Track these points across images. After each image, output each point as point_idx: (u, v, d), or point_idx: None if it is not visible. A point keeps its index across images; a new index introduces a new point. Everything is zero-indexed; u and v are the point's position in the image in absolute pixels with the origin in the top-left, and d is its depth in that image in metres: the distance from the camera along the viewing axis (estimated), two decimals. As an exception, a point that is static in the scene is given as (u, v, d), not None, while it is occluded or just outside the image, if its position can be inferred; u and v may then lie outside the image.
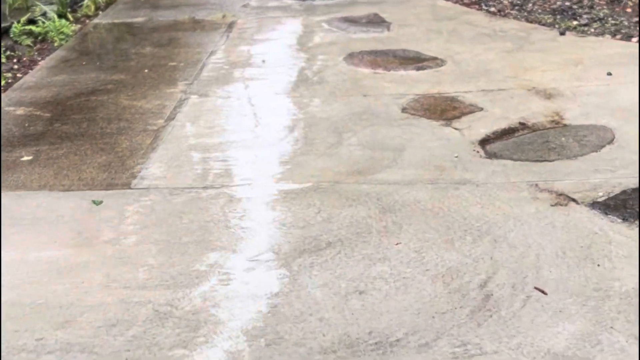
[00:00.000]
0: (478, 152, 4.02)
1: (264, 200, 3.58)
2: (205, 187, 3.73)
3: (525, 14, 6.93)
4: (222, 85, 5.32)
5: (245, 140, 4.34)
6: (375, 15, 7.10)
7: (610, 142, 4.04)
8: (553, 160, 3.87)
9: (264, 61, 5.90)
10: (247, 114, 4.76)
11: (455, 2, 7.46)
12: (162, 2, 8.12)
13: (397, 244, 3.12)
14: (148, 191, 3.71)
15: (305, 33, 6.64)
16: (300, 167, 3.91)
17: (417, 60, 5.72)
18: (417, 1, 7.56)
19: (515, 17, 6.84)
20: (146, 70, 5.71)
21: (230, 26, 7.01)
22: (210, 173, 3.90)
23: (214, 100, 5.04)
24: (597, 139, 4.11)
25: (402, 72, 5.50)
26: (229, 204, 3.54)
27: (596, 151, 3.94)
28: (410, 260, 3.00)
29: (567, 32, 6.21)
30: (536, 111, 4.58)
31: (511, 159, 3.92)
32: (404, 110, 4.74)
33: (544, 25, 6.55)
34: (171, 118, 4.70)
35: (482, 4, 7.32)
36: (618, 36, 5.98)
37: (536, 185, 3.61)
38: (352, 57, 5.87)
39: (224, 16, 7.39)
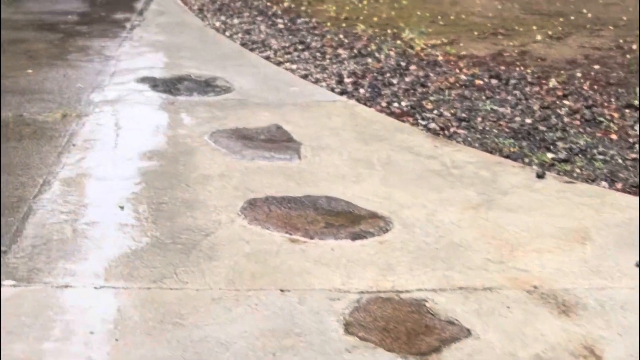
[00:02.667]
0: None
1: None
2: None
3: (478, 135, 5.63)
4: (56, 262, 3.63)
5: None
6: (278, 128, 5.61)
7: None
8: None
9: (122, 208, 4.24)
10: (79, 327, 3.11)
11: (381, 111, 6.06)
12: (-23, 86, 6.31)
13: None
14: None
15: (181, 154, 5.08)
16: None
17: (349, 219, 4.25)
18: (330, 107, 6.16)
19: (465, 140, 5.54)
20: None
21: (72, 136, 5.30)
22: None
23: (43, 292, 3.36)
24: None
25: (331, 241, 4.02)
26: None
27: None
28: None
29: (547, 173, 4.90)
30: (555, 342, 3.20)
31: None
32: (348, 329, 3.26)
33: (508, 156, 5.28)
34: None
35: (417, 116, 5.97)
36: (618, 184, 4.76)
37: None
38: (255, 208, 4.33)
39: (64, 115, 5.66)
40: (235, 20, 8.97)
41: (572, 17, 9.39)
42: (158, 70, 6.90)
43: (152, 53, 7.45)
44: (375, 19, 9.16)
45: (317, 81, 6.85)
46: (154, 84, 6.51)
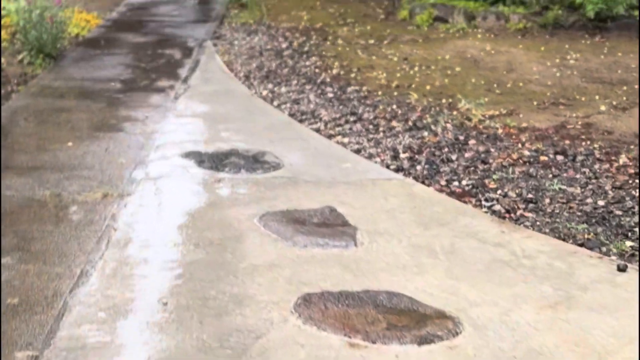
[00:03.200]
0: None
1: None
2: None
3: (548, 219, 5.28)
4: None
5: None
6: (332, 210, 5.31)
7: None
8: None
9: (165, 304, 3.95)
10: None
11: (440, 191, 5.74)
12: (16, 160, 6.11)
13: None
14: None
15: (229, 240, 4.81)
16: None
17: (414, 319, 3.92)
18: (386, 185, 5.86)
19: (534, 225, 5.20)
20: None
21: (113, 219, 5.04)
22: None
23: None
24: None
25: (395, 346, 3.70)
26: None
27: None
28: None
29: (628, 265, 4.52)
30: None
31: None
32: None
33: (582, 244, 4.93)
34: None
35: (480, 197, 5.63)
36: None
37: None
38: (310, 305, 4.02)
39: (105, 195, 5.43)
40: (283, 89, 8.77)
41: (637, 86, 9.03)
42: (203, 143, 6.68)
43: (197, 124, 7.24)
44: (428, 87, 8.89)
45: (370, 156, 6.57)
46: (200, 159, 6.28)
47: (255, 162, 6.36)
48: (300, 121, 7.67)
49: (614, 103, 8.32)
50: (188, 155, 6.46)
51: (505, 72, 9.82)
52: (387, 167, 6.35)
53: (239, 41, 11.67)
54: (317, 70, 9.88)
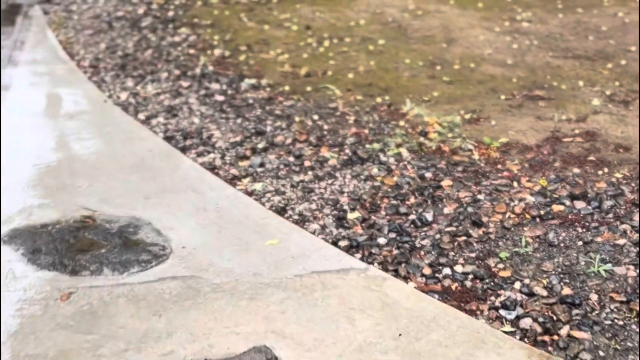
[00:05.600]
0: None
1: None
2: None
3: (611, 341, 3.48)
4: None
5: None
6: (268, 358, 3.34)
7: None
8: None
9: None
10: None
11: (427, 290, 3.94)
12: None
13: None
14: None
15: None
16: None
17: None
18: (343, 287, 4.13)
19: (596, 355, 3.38)
20: None
21: None
22: None
23: None
24: None
25: None
26: None
27: None
28: None
29: None
30: None
31: None
32: None
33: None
34: None
35: (492, 299, 3.85)
36: None
37: None
38: None
39: None
40: (150, 88, 6.62)
41: (623, 62, 7.36)
42: (38, 210, 4.56)
43: (25, 171, 5.08)
44: (351, 75, 6.94)
45: (304, 220, 4.64)
46: (34, 246, 4.19)
47: (123, 245, 4.34)
48: (184, 149, 5.62)
49: (608, 93, 6.63)
50: (13, 238, 4.33)
51: (445, 45, 7.98)
52: (335, 243, 4.44)
53: (79, 5, 9.31)
54: (192, 51, 7.77)
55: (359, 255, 4.36)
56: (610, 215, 4.76)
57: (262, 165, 5.38)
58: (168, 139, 5.81)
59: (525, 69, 7.35)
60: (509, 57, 7.68)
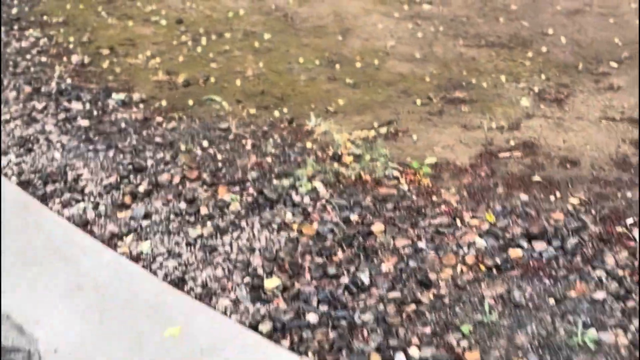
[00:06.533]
0: None
1: None
2: None
3: None
4: None
5: None
6: None
7: None
8: None
9: None
10: None
11: None
12: None
13: None
14: None
15: None
16: None
17: None
18: None
19: None
20: None
21: None
22: None
23: None
24: None
25: None
26: None
27: None
28: None
29: None
30: None
31: None
32: None
33: None
34: None
35: None
36: None
37: None
38: None
39: None
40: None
41: (544, 49, 6.73)
42: None
43: None
44: (238, 82, 6.06)
45: (209, 293, 3.81)
46: None
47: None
48: (45, 198, 4.64)
49: (536, 90, 5.98)
50: None
51: (340, 37, 7.17)
52: (254, 327, 3.57)
53: None
54: (44, 59, 6.71)
55: (286, 343, 3.52)
56: (578, 257, 4.07)
57: (146, 216, 4.46)
58: (23, 183, 4.80)
59: (437, 63, 6.61)
60: (416, 49, 6.93)
